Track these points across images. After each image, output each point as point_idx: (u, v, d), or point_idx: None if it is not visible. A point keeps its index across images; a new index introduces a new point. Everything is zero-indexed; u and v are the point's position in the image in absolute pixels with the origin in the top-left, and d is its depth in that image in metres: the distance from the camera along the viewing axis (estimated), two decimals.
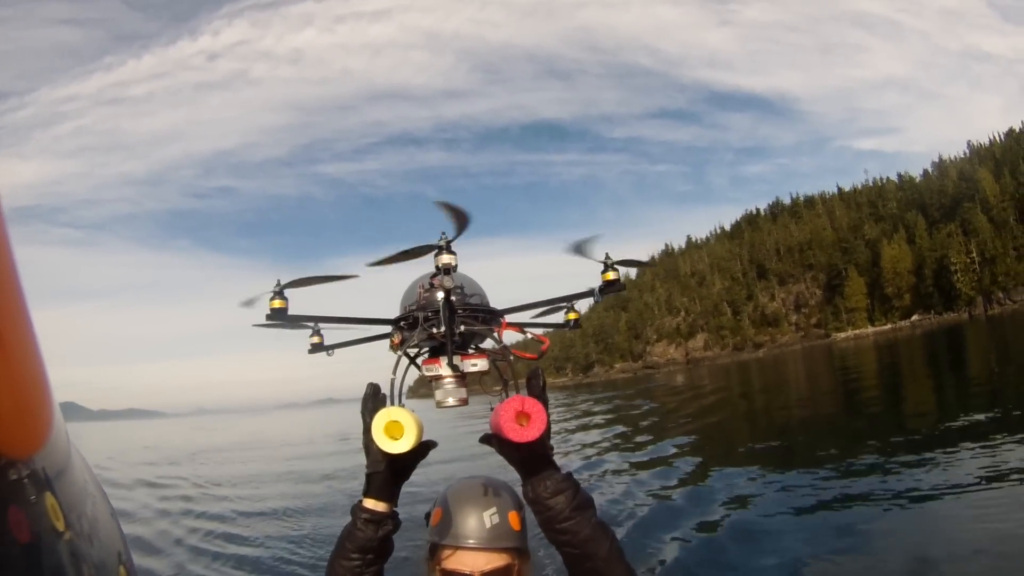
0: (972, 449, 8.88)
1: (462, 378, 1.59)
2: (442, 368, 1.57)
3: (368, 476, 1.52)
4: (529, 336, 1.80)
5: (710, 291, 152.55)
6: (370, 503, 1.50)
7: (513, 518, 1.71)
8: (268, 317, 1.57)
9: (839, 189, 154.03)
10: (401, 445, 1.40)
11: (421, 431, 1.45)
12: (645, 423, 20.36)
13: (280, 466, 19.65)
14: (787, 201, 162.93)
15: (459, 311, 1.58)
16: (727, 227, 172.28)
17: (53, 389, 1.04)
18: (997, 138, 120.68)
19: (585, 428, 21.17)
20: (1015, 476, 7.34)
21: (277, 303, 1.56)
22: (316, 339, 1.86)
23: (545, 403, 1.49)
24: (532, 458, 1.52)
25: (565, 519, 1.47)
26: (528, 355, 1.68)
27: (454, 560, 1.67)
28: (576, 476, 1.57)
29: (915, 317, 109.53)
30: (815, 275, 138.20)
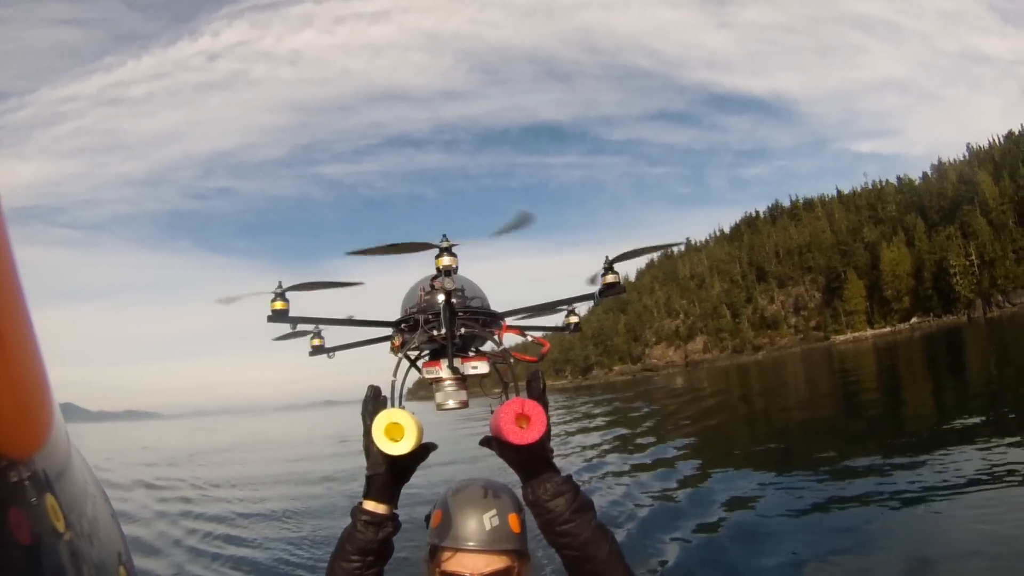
0: (970, 451, 8.89)
1: (462, 380, 1.59)
2: (442, 370, 1.57)
3: (368, 478, 1.52)
4: (529, 339, 1.80)
5: (709, 294, 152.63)
6: (370, 505, 1.51)
7: (513, 520, 1.71)
8: (269, 319, 1.58)
9: (838, 191, 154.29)
10: (401, 447, 1.40)
11: (421, 433, 1.45)
12: (644, 426, 20.36)
13: (279, 468, 19.64)
14: (786, 203, 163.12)
15: (460, 314, 1.58)
16: (726, 229, 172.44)
17: (53, 389, 1.04)
18: (996, 140, 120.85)
19: (585, 431, 21.17)
20: (1013, 478, 7.35)
21: (279, 305, 1.56)
22: (317, 341, 1.86)
23: (545, 405, 1.49)
24: (532, 460, 1.52)
25: (565, 521, 1.47)
26: (528, 357, 1.68)
27: (454, 562, 1.67)
28: (576, 478, 1.57)
29: (914, 320, 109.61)
30: (814, 278, 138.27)
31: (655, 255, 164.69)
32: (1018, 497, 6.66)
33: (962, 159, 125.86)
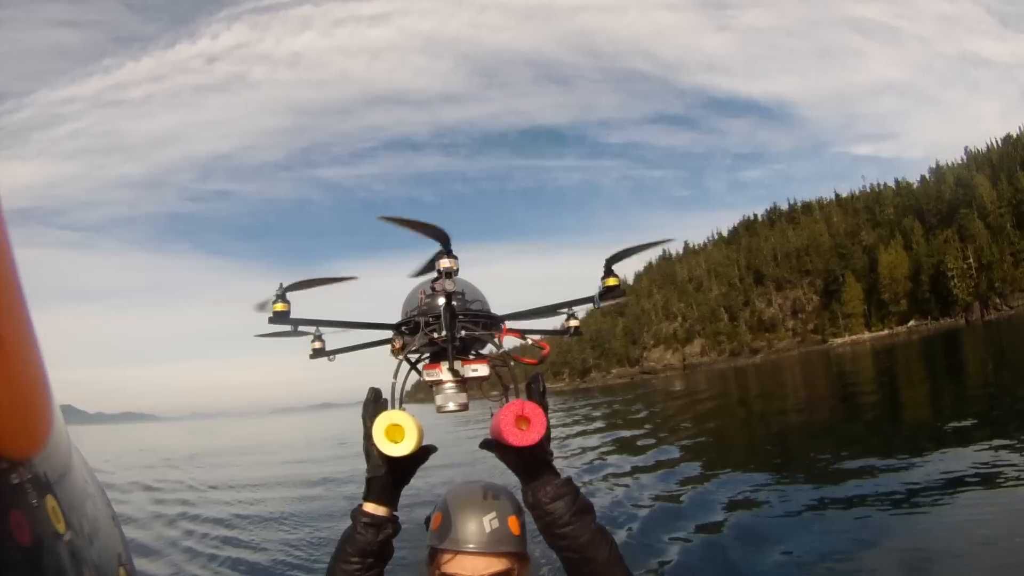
0: (968, 453, 8.92)
1: (463, 383, 1.59)
2: (443, 373, 1.57)
3: (368, 480, 1.52)
4: (529, 342, 1.80)
5: (707, 297, 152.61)
6: (370, 507, 1.50)
7: (513, 523, 1.71)
8: (271, 320, 1.58)
9: (836, 195, 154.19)
10: (402, 448, 1.40)
11: (422, 435, 1.45)
12: (643, 428, 20.39)
13: (277, 470, 19.64)
14: (785, 207, 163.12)
15: (460, 316, 1.58)
16: (724, 232, 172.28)
17: (53, 390, 1.04)
18: (994, 144, 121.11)
19: (584, 433, 21.17)
20: (1010, 479, 7.37)
21: (280, 307, 1.56)
22: (318, 344, 1.86)
23: (545, 408, 1.49)
24: (532, 463, 1.52)
25: (565, 524, 1.47)
26: (528, 360, 1.68)
27: (454, 564, 1.66)
28: (575, 481, 1.57)
29: (912, 323, 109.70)
30: (812, 281, 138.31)
31: (653, 258, 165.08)
32: (1016, 498, 6.67)
33: (960, 162, 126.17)
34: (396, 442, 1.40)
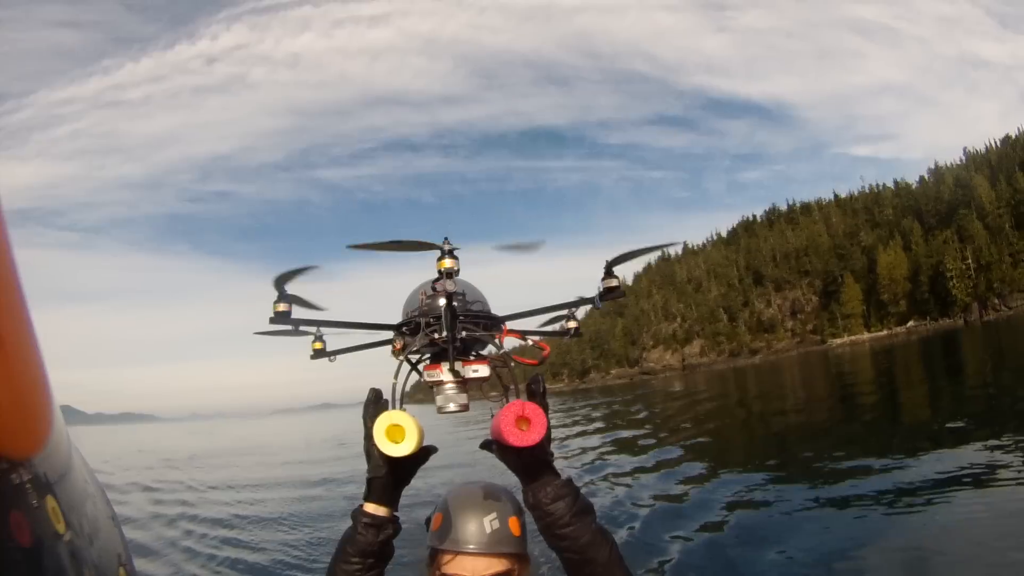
0: (967, 453, 8.92)
1: (463, 384, 1.59)
2: (443, 374, 1.58)
3: (369, 481, 1.52)
4: (530, 342, 1.81)
5: (706, 297, 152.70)
6: (371, 507, 1.51)
7: (513, 523, 1.71)
8: (272, 320, 1.58)
9: (835, 195, 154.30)
10: (402, 448, 1.40)
11: (422, 435, 1.45)
12: (643, 429, 20.39)
13: (277, 470, 19.64)
14: (784, 207, 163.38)
15: (461, 317, 1.59)
16: (724, 233, 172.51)
17: (53, 390, 1.04)
18: (993, 145, 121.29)
19: (584, 434, 21.17)
20: (1009, 479, 7.37)
21: (281, 307, 1.57)
22: (318, 345, 1.86)
23: (546, 408, 1.49)
24: (532, 463, 1.52)
25: (565, 525, 1.47)
26: (529, 361, 1.69)
27: (454, 565, 1.66)
28: (575, 481, 1.57)
29: (911, 323, 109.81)
30: (811, 281, 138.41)
31: (652, 259, 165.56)
32: (1014, 498, 6.68)
33: (959, 163, 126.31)
34: (397, 442, 1.41)
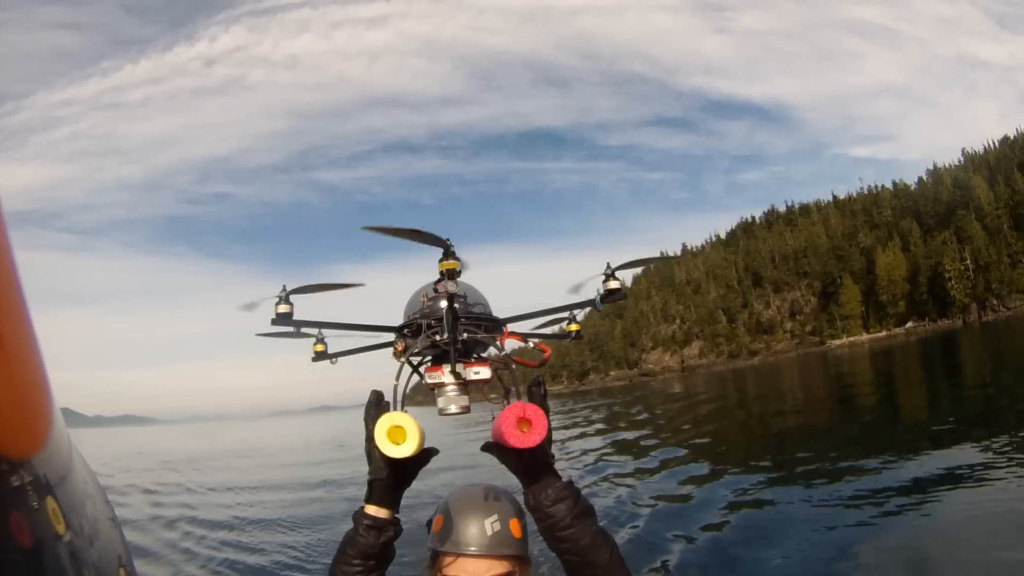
0: (966, 453, 8.93)
1: (465, 386, 1.59)
2: (445, 376, 1.58)
3: (370, 482, 1.52)
4: (531, 344, 1.81)
5: (705, 299, 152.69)
6: (372, 509, 1.51)
7: (514, 525, 1.71)
8: (273, 322, 1.58)
9: (834, 197, 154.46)
10: (404, 450, 1.40)
11: (423, 437, 1.45)
12: (643, 431, 20.38)
13: (277, 472, 19.63)
14: (782, 209, 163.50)
15: (462, 319, 1.59)
16: (723, 235, 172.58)
17: (54, 391, 1.03)
18: (992, 145, 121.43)
19: (585, 436, 21.16)
20: (1008, 479, 7.38)
21: (283, 308, 1.57)
22: (320, 347, 1.86)
23: (547, 410, 1.49)
24: (533, 465, 1.52)
25: (566, 527, 1.47)
26: (530, 363, 1.69)
27: (455, 567, 1.66)
28: (576, 483, 1.57)
29: (910, 324, 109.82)
30: (810, 282, 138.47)
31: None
32: (1014, 498, 6.69)
33: (957, 164, 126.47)
34: (398, 444, 1.41)
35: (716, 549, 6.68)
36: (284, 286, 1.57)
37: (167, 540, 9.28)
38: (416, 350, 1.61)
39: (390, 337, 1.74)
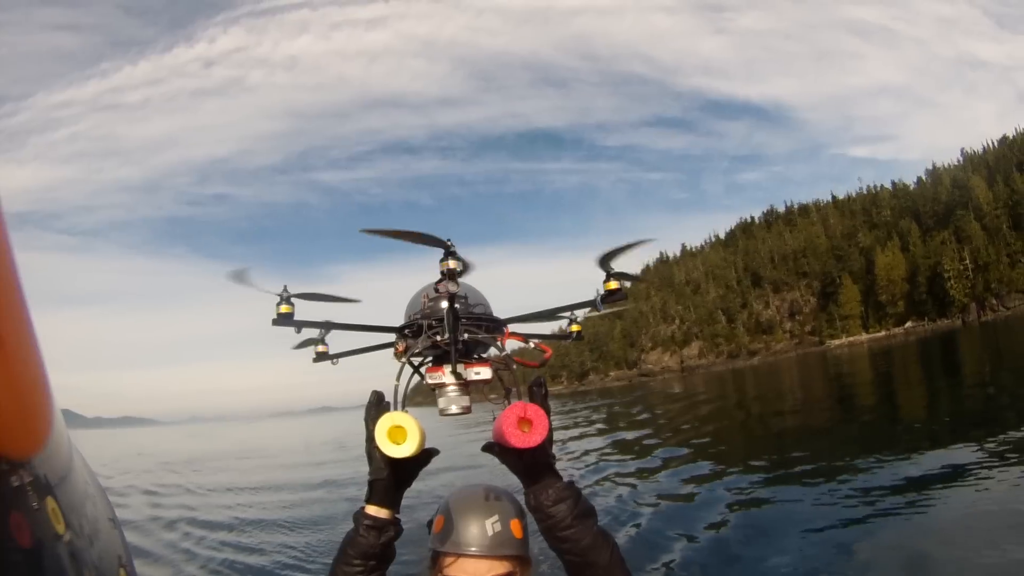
0: (966, 453, 8.92)
1: (465, 386, 1.60)
2: (446, 376, 1.58)
3: (371, 483, 1.52)
4: (531, 345, 1.81)
5: (705, 299, 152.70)
6: (372, 509, 1.51)
7: (515, 526, 1.71)
8: (275, 322, 1.59)
9: (833, 197, 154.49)
10: (404, 450, 1.40)
11: (424, 437, 1.45)
12: (643, 431, 20.36)
13: (277, 473, 19.61)
14: (781, 209, 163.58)
15: (463, 319, 1.59)
16: (722, 235, 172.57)
17: (54, 392, 1.03)
18: (991, 145, 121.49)
19: (585, 436, 21.15)
20: (1008, 479, 7.38)
21: (284, 308, 1.57)
22: (321, 348, 1.86)
23: (547, 410, 1.49)
24: (534, 466, 1.52)
25: (567, 527, 1.47)
26: (530, 363, 1.69)
27: (456, 567, 1.66)
28: (577, 484, 1.57)
29: (909, 324, 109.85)
30: (809, 283, 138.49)
31: (651, 261, 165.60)
32: (1013, 497, 6.69)
33: (956, 164, 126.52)
34: (399, 444, 1.41)
35: (716, 548, 6.68)
36: (285, 286, 1.57)
37: (167, 541, 9.27)
38: (417, 350, 1.62)
39: (391, 337, 1.74)
